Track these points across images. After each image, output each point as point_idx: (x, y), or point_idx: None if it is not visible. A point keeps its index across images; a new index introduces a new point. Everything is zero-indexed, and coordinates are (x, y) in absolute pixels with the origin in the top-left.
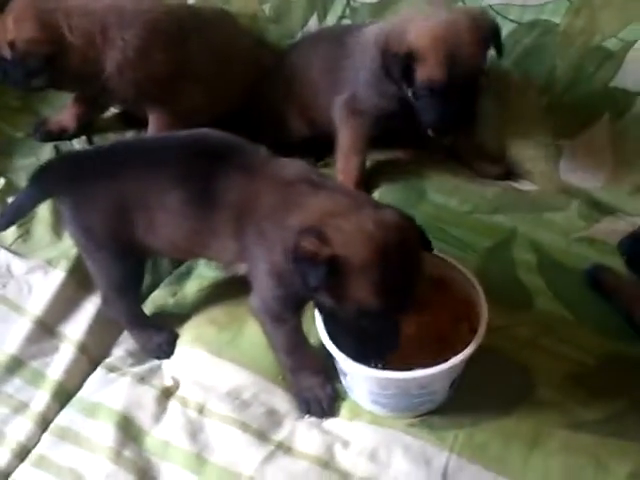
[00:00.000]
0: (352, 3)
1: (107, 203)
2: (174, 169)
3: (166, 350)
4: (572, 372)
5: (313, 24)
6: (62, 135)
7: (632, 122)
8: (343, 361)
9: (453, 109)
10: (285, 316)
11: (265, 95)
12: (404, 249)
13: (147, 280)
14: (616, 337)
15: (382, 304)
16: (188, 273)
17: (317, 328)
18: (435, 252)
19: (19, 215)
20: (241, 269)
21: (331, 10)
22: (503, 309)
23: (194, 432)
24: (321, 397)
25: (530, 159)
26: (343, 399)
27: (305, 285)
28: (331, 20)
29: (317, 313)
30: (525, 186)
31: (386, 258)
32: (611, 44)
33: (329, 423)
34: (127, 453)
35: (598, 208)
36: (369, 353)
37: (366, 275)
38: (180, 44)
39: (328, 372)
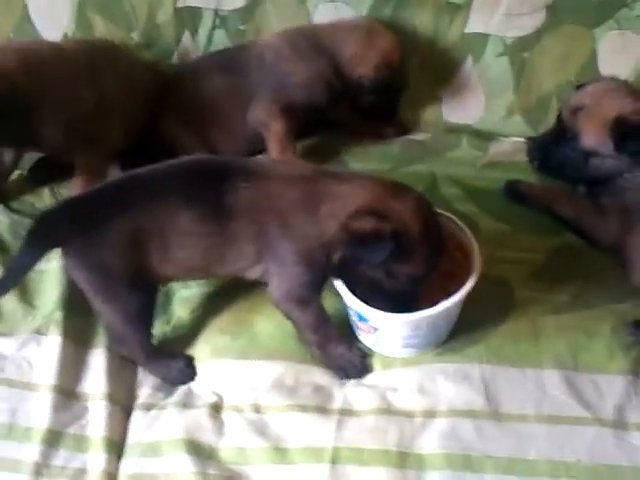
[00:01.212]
0: (220, 12)
1: (119, 238)
2: (181, 192)
3: (189, 373)
4: (533, 270)
5: (187, 40)
6: None
7: (491, 58)
8: (378, 317)
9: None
10: (311, 298)
11: (158, 118)
12: (436, 220)
13: None
14: (549, 234)
15: (428, 270)
16: (168, 300)
17: (344, 299)
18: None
19: (21, 275)
20: (254, 273)
21: (201, 23)
22: None
23: (261, 430)
24: (353, 359)
25: (416, 110)
26: (371, 356)
27: (370, 261)
28: (203, 33)
29: (340, 285)
30: (419, 136)
31: (430, 229)
32: None
33: (370, 379)
34: (211, 471)
35: (482, 137)
36: (403, 307)
37: (419, 246)
38: (97, 78)
39: (350, 339)
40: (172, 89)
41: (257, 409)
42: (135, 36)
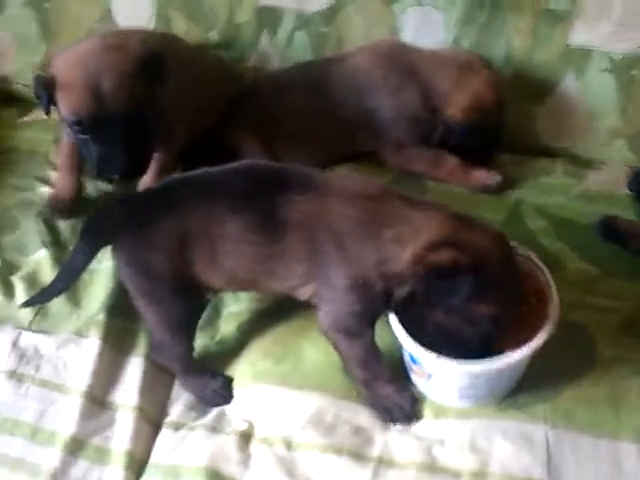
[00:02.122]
0: (301, 14)
1: (167, 240)
2: (233, 198)
3: (224, 395)
4: (623, 321)
5: (265, 42)
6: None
7: (594, 75)
8: (433, 363)
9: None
10: (361, 331)
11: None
12: (512, 256)
13: None
14: None
15: (507, 311)
16: (217, 313)
17: (396, 335)
18: None
19: (75, 274)
20: (305, 293)
21: (281, 24)
22: None
23: (289, 469)
24: (402, 403)
25: (509, 130)
26: (422, 401)
27: (448, 300)
28: (282, 34)
29: (394, 321)
30: (507, 157)
31: (509, 266)
32: (559, 4)
33: (418, 427)
34: None
35: (579, 163)
36: (474, 354)
37: (500, 284)
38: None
39: (402, 380)
40: (249, 97)
41: (289, 445)
42: (213, 35)
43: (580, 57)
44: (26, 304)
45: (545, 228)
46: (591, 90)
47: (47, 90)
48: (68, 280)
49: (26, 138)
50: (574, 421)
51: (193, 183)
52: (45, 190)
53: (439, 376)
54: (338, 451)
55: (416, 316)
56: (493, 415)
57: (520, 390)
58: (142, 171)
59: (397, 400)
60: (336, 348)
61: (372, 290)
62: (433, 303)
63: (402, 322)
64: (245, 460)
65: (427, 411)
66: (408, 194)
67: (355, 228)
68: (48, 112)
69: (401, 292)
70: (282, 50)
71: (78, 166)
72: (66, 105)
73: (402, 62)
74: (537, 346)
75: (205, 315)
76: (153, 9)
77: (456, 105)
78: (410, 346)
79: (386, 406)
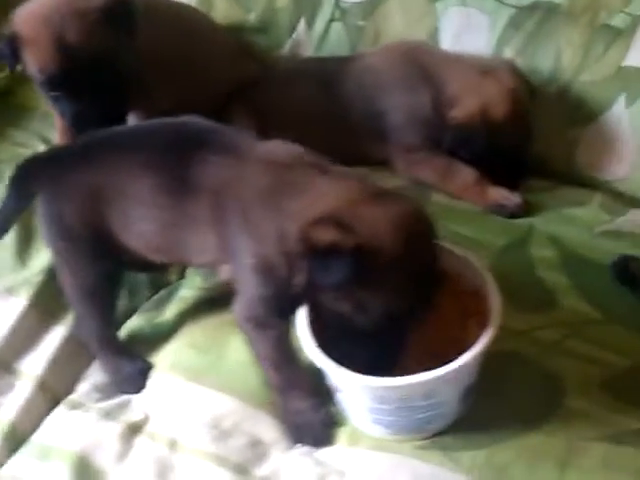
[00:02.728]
0: (341, 4)
1: (81, 193)
2: (147, 155)
3: (136, 384)
4: (606, 376)
5: (301, 30)
6: None
7: None
8: (332, 370)
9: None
10: (271, 321)
11: (248, 103)
12: (426, 241)
13: (122, 306)
14: None
15: (409, 302)
16: (169, 297)
17: (299, 334)
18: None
19: (6, 222)
20: (224, 272)
21: (319, 13)
22: (525, 311)
23: (163, 471)
24: (314, 422)
25: (543, 154)
26: (342, 425)
27: (324, 282)
28: (320, 24)
29: (301, 317)
30: (540, 183)
31: (412, 251)
32: (619, 20)
33: (324, 452)
34: None
35: (622, 200)
36: (380, 361)
37: (394, 270)
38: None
39: (323, 394)
40: (255, 85)
41: (173, 445)
42: (252, 18)
43: (636, 81)
44: None
45: (551, 260)
46: None
47: (12, 48)
48: (3, 227)
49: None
50: (506, 477)
51: (116, 136)
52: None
53: (346, 391)
54: (222, 462)
55: (322, 311)
56: (410, 452)
57: (455, 428)
58: (120, 124)
59: (310, 418)
60: (247, 341)
61: (277, 273)
62: (315, 286)
63: (312, 318)
64: (123, 453)
65: (343, 436)
66: (326, 164)
67: (260, 197)
68: (13, 70)
69: (301, 277)
70: (318, 40)
71: None
72: (33, 63)
73: (417, 64)
74: (456, 370)
75: (157, 297)
76: None
77: (462, 108)
78: (310, 350)
79: (296, 423)
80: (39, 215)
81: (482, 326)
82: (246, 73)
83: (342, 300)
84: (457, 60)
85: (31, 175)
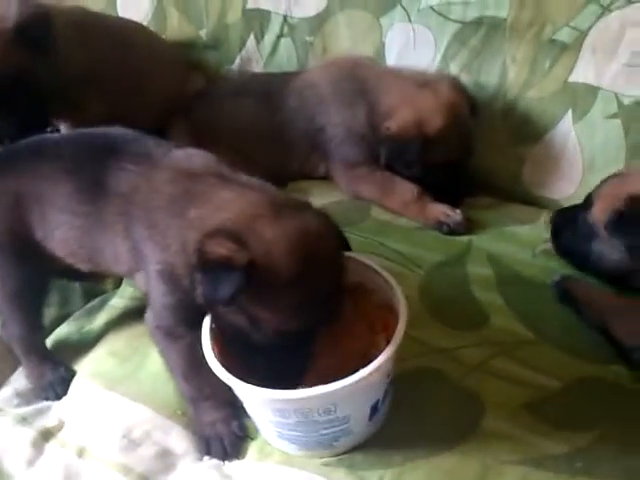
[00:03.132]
0: (289, 20)
1: (3, 200)
2: (65, 162)
3: (57, 391)
4: (531, 399)
5: (251, 45)
6: None
7: (598, 118)
8: (230, 382)
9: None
10: (179, 331)
11: (189, 117)
12: (328, 258)
13: (53, 314)
14: (584, 358)
15: (304, 322)
16: (100, 307)
17: (202, 344)
18: (350, 253)
19: None
20: (139, 282)
21: (268, 29)
22: (452, 329)
23: (69, 478)
24: (223, 434)
25: (489, 171)
26: (252, 439)
27: (212, 296)
28: (269, 39)
29: (205, 327)
30: (483, 201)
31: (311, 269)
32: (564, 35)
33: (233, 466)
34: None
35: None
36: (283, 375)
37: (289, 289)
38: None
39: (236, 406)
40: (198, 99)
41: (81, 452)
42: (204, 35)
43: (583, 97)
44: None
45: (486, 278)
46: (592, 136)
47: None
48: None
49: None
50: None
51: (37, 144)
52: None
53: (247, 404)
54: (127, 472)
55: (222, 323)
56: (315, 470)
57: (367, 447)
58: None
59: (220, 430)
60: (160, 353)
61: (181, 282)
62: (209, 299)
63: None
64: (34, 459)
65: (252, 450)
66: (234, 175)
67: (166, 206)
68: None
69: (199, 289)
70: (267, 56)
71: None
72: None
73: (354, 79)
74: (349, 384)
75: (89, 306)
76: (152, 3)
77: (396, 119)
78: (210, 359)
79: (206, 435)
80: None
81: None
82: (190, 88)
83: (237, 314)
84: (396, 74)
85: None
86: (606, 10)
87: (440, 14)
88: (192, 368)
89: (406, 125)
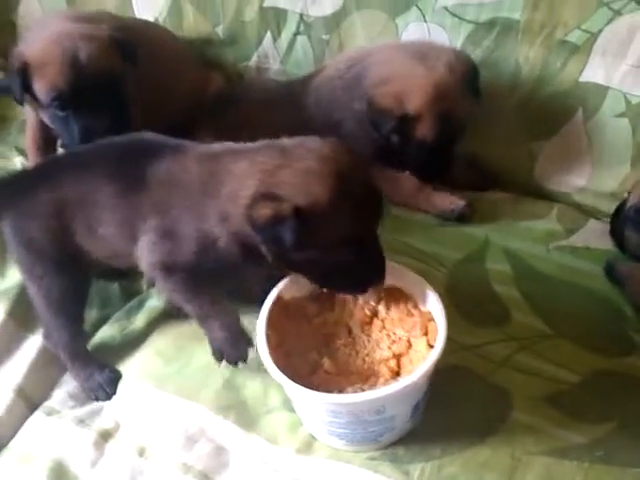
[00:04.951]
0: (305, 18)
1: (45, 210)
2: (107, 166)
3: (107, 391)
4: (553, 392)
5: (268, 43)
6: None
7: (607, 117)
8: (291, 388)
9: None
10: (179, 272)
11: (215, 121)
12: (352, 168)
13: (95, 316)
14: (602, 352)
15: (360, 225)
16: (139, 307)
17: (259, 351)
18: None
19: None
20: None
21: (285, 27)
22: (476, 325)
23: (133, 476)
24: (232, 341)
25: (503, 166)
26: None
27: (282, 248)
28: (285, 37)
29: (260, 333)
30: (496, 195)
31: (342, 184)
32: (575, 37)
33: (282, 460)
34: None
35: (580, 212)
36: (361, 283)
37: (336, 210)
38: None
39: (241, 330)
40: (224, 106)
41: (142, 451)
42: (220, 31)
43: (593, 96)
44: None
45: (506, 274)
46: (602, 134)
47: (21, 77)
48: None
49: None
50: None
51: (75, 155)
52: (20, 160)
53: (302, 404)
54: (187, 469)
55: (296, 265)
56: (361, 462)
57: (407, 441)
58: None
59: (230, 343)
60: (158, 287)
61: (217, 248)
62: (281, 252)
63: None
64: (96, 459)
65: (299, 444)
66: (239, 146)
67: (198, 186)
68: (22, 102)
69: (265, 250)
70: (284, 53)
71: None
72: (44, 83)
73: (360, 64)
74: (402, 388)
75: (127, 307)
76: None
77: (379, 90)
78: (269, 366)
79: (218, 346)
80: (6, 234)
81: (431, 346)
82: (210, 87)
83: (308, 251)
84: (397, 47)
85: None
86: (616, 14)
87: (455, 15)
88: (190, 292)
89: (387, 98)
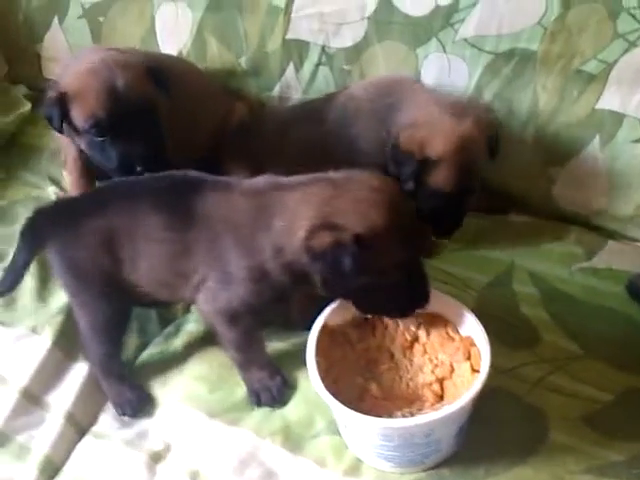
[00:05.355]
0: (327, 50)
1: (94, 239)
2: (154, 198)
3: (135, 407)
4: (588, 411)
5: (290, 73)
6: None
7: (623, 143)
8: (345, 413)
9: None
10: (244, 317)
11: (237, 144)
12: (404, 200)
13: (135, 342)
14: (632, 370)
15: (409, 250)
16: (176, 332)
17: (312, 381)
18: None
19: (18, 274)
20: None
21: (307, 58)
22: (508, 348)
23: None
24: (269, 385)
25: (522, 190)
26: (294, 388)
27: (341, 274)
28: (307, 68)
29: (310, 359)
30: (519, 218)
31: (395, 213)
32: (592, 67)
33: None
34: None
35: (599, 234)
36: (408, 306)
37: (390, 237)
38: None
39: (276, 366)
40: (247, 132)
41: (195, 475)
42: (243, 62)
43: (609, 123)
44: None
45: (533, 296)
46: (617, 159)
47: (59, 107)
48: (10, 282)
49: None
50: None
51: (122, 185)
52: (53, 190)
53: (352, 429)
54: None
55: (349, 292)
56: None
57: (451, 462)
58: (162, 167)
59: (266, 382)
60: (215, 330)
61: (269, 281)
62: (339, 280)
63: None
64: None
65: (345, 466)
66: (286, 180)
67: (248, 221)
68: (61, 130)
69: (317, 280)
70: (306, 83)
71: (88, 172)
72: (82, 111)
73: (390, 94)
74: (452, 412)
75: (166, 331)
76: (192, 32)
77: (405, 131)
78: (322, 393)
79: (255, 388)
80: (52, 261)
81: (474, 370)
82: (234, 118)
83: (362, 277)
84: (429, 94)
85: (40, 227)
86: (632, 45)
87: (474, 46)
88: (246, 342)
89: (411, 141)
